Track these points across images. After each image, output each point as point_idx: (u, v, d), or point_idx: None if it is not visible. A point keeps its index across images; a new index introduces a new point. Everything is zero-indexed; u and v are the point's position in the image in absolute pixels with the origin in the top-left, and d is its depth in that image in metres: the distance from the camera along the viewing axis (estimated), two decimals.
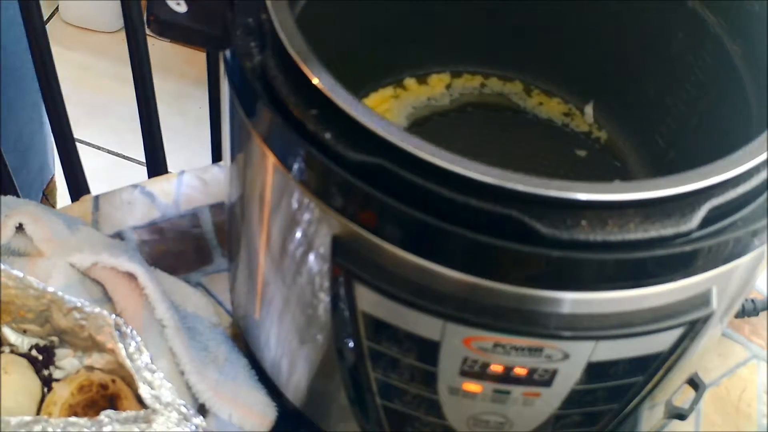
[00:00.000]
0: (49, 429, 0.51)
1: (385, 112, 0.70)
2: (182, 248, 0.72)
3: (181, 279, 0.67)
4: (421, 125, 0.70)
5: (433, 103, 0.71)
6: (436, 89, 0.72)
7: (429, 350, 0.44)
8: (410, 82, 0.72)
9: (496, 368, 0.44)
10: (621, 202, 0.39)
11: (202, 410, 0.59)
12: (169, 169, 0.96)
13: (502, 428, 0.49)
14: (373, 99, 0.70)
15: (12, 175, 0.89)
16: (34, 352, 0.60)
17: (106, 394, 0.57)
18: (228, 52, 0.46)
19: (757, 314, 0.68)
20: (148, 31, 0.65)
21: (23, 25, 0.83)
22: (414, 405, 0.49)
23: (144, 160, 0.95)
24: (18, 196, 0.89)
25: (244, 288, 0.57)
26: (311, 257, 0.46)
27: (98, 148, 1.69)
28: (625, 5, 0.64)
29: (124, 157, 1.68)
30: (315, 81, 0.41)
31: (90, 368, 0.60)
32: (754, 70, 0.53)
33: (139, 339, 0.56)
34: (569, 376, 0.45)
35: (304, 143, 0.41)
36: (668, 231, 0.39)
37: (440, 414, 0.49)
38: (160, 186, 0.75)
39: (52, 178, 1.03)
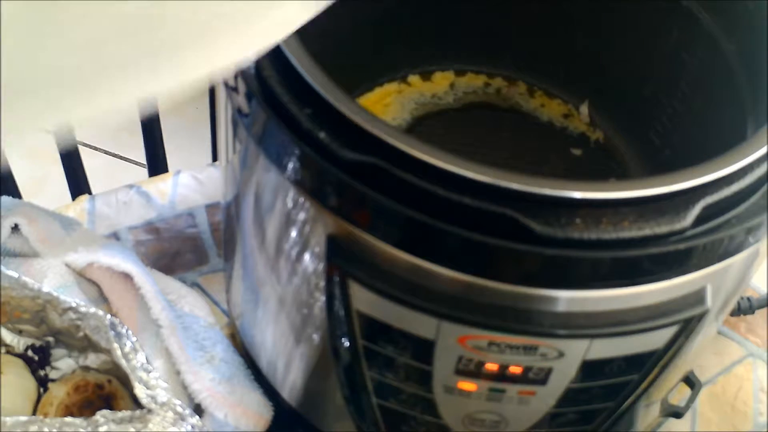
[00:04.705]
0: (45, 429, 0.51)
1: (387, 106, 0.70)
2: (178, 248, 0.72)
3: (177, 279, 0.67)
4: (424, 122, 0.70)
5: (436, 101, 0.71)
6: (440, 87, 0.72)
7: (424, 349, 0.44)
8: (414, 78, 0.72)
9: (491, 367, 0.44)
10: (615, 200, 0.39)
11: (198, 410, 0.59)
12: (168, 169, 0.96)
13: (497, 427, 0.49)
14: (378, 93, 0.71)
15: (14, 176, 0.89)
16: (29, 353, 0.60)
17: (102, 394, 0.57)
18: None
19: (753, 312, 0.68)
20: None
21: None
22: (409, 404, 0.49)
23: (140, 161, 0.95)
24: (20, 197, 0.89)
25: (240, 288, 0.57)
26: (306, 257, 0.46)
27: (95, 148, 1.69)
28: (620, 4, 0.64)
29: (120, 157, 1.68)
30: (308, 80, 0.41)
31: (86, 368, 0.60)
32: (748, 68, 0.53)
33: (134, 339, 0.56)
34: (564, 374, 0.45)
35: (299, 142, 0.41)
36: (663, 229, 0.39)
37: (436, 413, 0.49)
38: (156, 186, 0.75)
39: None
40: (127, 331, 0.56)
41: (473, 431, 0.50)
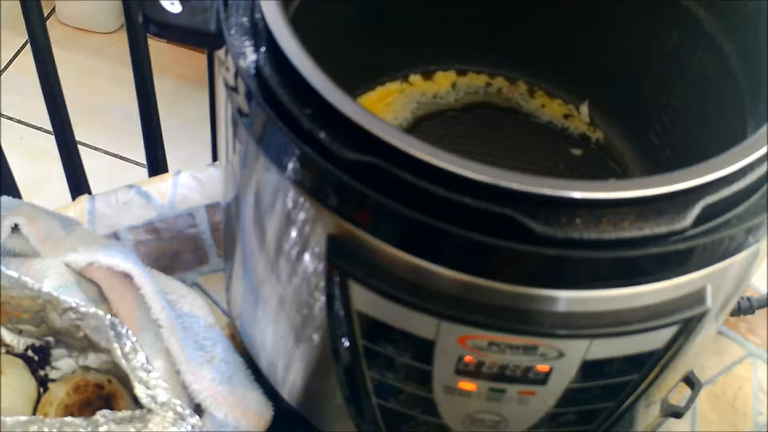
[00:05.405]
0: (45, 429, 0.51)
1: (389, 106, 0.70)
2: (178, 248, 0.72)
3: (177, 279, 0.67)
4: (425, 122, 0.70)
5: (438, 101, 0.72)
6: (442, 87, 0.72)
7: (424, 349, 0.44)
8: (416, 78, 0.72)
9: (491, 367, 0.44)
10: (615, 200, 0.39)
11: (198, 410, 0.59)
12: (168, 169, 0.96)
13: (497, 427, 0.49)
14: (379, 92, 0.71)
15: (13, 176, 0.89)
16: (29, 353, 0.60)
17: (102, 394, 0.57)
18: (222, 52, 0.46)
19: (753, 312, 0.68)
20: None
21: (24, 24, 0.83)
22: (409, 404, 0.49)
23: (141, 161, 0.95)
24: (20, 197, 0.89)
25: (240, 288, 0.57)
26: (306, 256, 0.46)
27: (95, 149, 1.69)
28: (621, 5, 0.64)
29: (120, 158, 1.68)
30: (308, 80, 0.41)
31: (86, 368, 0.60)
32: (748, 68, 0.53)
33: (134, 339, 0.56)
34: (564, 374, 0.45)
35: (299, 142, 0.41)
36: (662, 229, 0.39)
37: (436, 413, 0.49)
38: (156, 186, 0.75)
39: None
40: (127, 331, 0.56)
41: (473, 431, 0.50)
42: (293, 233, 0.45)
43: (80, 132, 0.98)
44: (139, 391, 0.54)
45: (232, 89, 0.45)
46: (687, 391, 0.60)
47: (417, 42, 0.70)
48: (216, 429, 0.58)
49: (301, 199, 0.43)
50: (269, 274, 0.51)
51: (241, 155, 0.47)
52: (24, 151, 1.65)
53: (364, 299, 0.43)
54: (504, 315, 0.41)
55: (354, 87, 0.70)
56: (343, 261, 0.43)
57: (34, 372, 0.60)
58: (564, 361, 0.43)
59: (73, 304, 0.57)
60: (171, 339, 0.60)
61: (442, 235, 0.39)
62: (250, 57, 0.44)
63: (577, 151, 0.70)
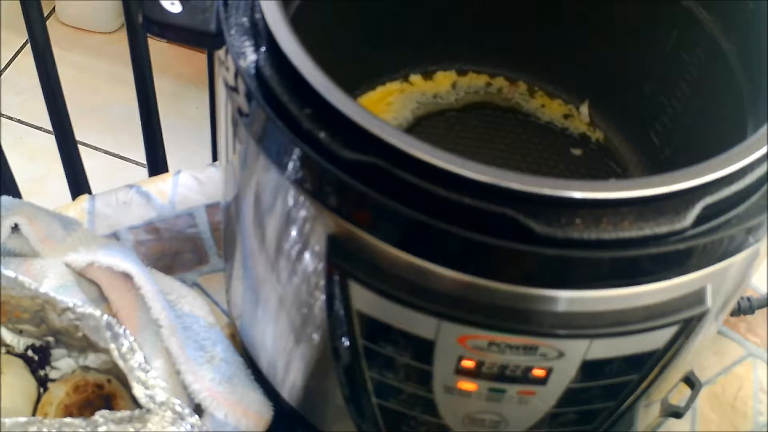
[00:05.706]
0: (45, 429, 0.51)
1: (389, 105, 0.70)
2: (178, 248, 0.72)
3: (177, 279, 0.67)
4: (425, 122, 0.70)
5: (438, 101, 0.72)
6: (442, 87, 0.72)
7: (424, 349, 0.44)
8: (416, 78, 0.72)
9: (491, 367, 0.44)
10: (615, 200, 0.39)
11: (198, 410, 0.59)
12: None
13: (497, 427, 0.49)
14: (380, 92, 0.71)
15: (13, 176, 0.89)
16: (29, 353, 0.60)
17: (102, 394, 0.57)
18: (222, 52, 0.46)
19: (753, 312, 0.68)
20: None
21: (24, 24, 0.83)
22: (409, 404, 0.49)
23: (141, 161, 0.95)
24: (20, 197, 0.89)
25: (240, 288, 0.57)
26: (306, 256, 0.46)
27: (95, 148, 1.69)
28: (621, 5, 0.64)
29: (120, 157, 1.68)
30: (308, 80, 0.41)
31: (86, 368, 0.60)
32: (748, 68, 0.53)
33: (132, 339, 0.56)
34: (564, 374, 0.45)
35: (299, 142, 0.41)
36: (662, 229, 0.39)
37: (436, 413, 0.49)
38: (156, 186, 0.75)
39: None
40: (124, 331, 0.56)
41: (473, 431, 0.50)
42: (293, 233, 0.45)
43: (80, 132, 0.98)
44: (138, 390, 0.54)
45: (232, 89, 0.45)
46: (687, 391, 0.60)
47: (417, 42, 0.70)
48: (216, 429, 0.58)
49: (301, 199, 0.43)
50: (269, 273, 0.51)
51: (241, 155, 0.47)
52: (24, 151, 1.65)
53: (364, 299, 0.43)
54: (504, 315, 0.41)
55: (354, 87, 0.70)
56: (343, 261, 0.43)
57: (34, 372, 0.60)
58: (564, 361, 0.43)
59: (71, 305, 0.57)
60: (171, 339, 0.60)
61: (442, 235, 0.39)
62: (250, 57, 0.44)
63: (577, 151, 0.70)
